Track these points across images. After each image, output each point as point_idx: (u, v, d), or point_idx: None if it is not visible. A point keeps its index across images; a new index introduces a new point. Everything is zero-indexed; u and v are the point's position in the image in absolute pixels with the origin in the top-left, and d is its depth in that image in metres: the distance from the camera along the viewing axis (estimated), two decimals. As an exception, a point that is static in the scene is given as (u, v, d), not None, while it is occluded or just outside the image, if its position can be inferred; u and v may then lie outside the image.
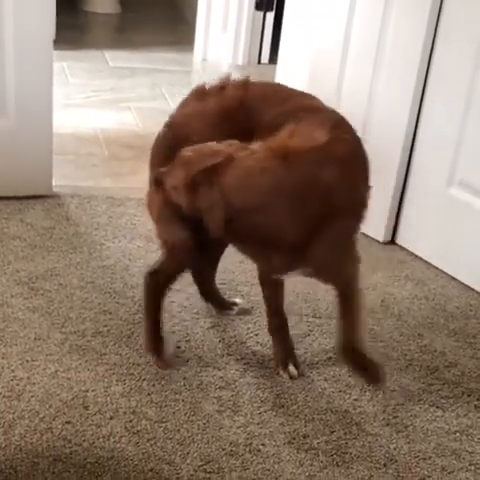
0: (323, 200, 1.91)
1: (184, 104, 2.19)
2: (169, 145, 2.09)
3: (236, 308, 2.52)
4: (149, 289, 2.20)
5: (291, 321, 2.50)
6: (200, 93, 2.17)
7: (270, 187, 1.86)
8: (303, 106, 2.09)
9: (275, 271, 2.10)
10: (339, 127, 2.03)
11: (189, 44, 5.25)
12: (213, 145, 1.92)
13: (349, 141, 2.03)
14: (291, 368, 2.27)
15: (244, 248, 2.03)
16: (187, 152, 1.93)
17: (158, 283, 2.19)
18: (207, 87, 2.17)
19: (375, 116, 2.99)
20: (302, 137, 1.92)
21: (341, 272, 2.12)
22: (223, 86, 2.15)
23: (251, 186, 1.86)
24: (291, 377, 2.25)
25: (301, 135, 1.93)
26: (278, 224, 1.89)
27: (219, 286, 2.54)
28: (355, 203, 2.02)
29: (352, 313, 2.14)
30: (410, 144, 2.94)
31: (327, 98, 3.08)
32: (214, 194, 1.85)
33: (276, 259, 1.99)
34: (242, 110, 2.08)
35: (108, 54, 5.06)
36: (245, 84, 2.15)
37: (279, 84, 2.29)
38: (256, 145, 1.91)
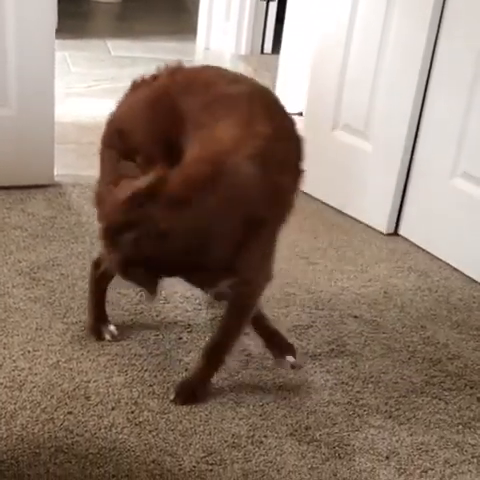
0: (242, 214, 1.85)
1: (122, 98, 2.15)
2: (109, 142, 2.08)
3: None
4: (92, 277, 2.28)
5: (293, 312, 2.50)
6: (135, 85, 2.13)
7: (185, 229, 1.80)
8: (222, 96, 2.00)
9: (206, 288, 2.11)
10: (254, 120, 1.93)
11: (191, 33, 5.23)
12: (130, 187, 1.84)
13: (263, 136, 1.91)
14: (289, 358, 2.25)
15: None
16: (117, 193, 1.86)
17: (100, 272, 2.22)
18: (142, 78, 2.13)
19: (378, 107, 2.98)
20: (208, 153, 1.87)
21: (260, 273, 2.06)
22: (156, 76, 2.11)
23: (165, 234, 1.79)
24: (293, 367, 2.24)
25: (208, 149, 1.88)
26: (202, 249, 1.83)
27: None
28: (276, 204, 1.95)
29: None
30: (413, 136, 2.93)
31: (330, 88, 3.10)
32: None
33: (203, 280, 1.97)
34: (167, 99, 2.02)
35: (110, 43, 5.04)
36: (174, 72, 2.10)
37: (208, 67, 2.18)
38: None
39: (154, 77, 2.11)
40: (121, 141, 2.04)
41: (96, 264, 2.25)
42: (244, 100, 2.00)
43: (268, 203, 1.90)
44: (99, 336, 2.30)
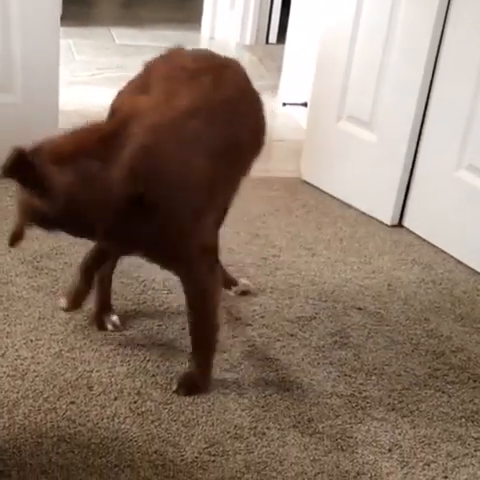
0: (120, 189, 1.80)
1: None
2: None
3: (233, 291, 2.48)
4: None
5: (296, 304, 2.49)
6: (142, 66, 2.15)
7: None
8: (180, 69, 2.01)
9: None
10: (181, 94, 1.91)
11: (196, 22, 5.21)
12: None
13: (178, 109, 1.88)
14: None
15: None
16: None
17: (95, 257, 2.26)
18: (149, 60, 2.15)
19: (384, 97, 2.96)
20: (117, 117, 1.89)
21: (172, 258, 1.98)
22: (162, 55, 2.13)
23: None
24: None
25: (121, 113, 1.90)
26: (86, 214, 1.82)
27: (225, 267, 2.53)
28: (169, 182, 1.85)
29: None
30: (419, 127, 2.91)
31: (335, 78, 3.08)
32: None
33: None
34: (147, 78, 2.05)
35: (115, 31, 5.02)
36: (166, 54, 2.12)
37: (195, 50, 2.18)
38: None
39: (155, 59, 2.14)
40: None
41: (96, 254, 2.25)
42: (192, 76, 1.97)
43: (156, 178, 1.83)
44: (101, 326, 2.29)
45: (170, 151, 1.86)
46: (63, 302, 2.25)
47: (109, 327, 2.29)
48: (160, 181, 1.84)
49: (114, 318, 2.31)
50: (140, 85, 2.05)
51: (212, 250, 2.10)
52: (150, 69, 2.10)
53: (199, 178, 1.90)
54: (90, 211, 1.81)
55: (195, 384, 2.10)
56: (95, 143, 1.80)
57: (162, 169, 1.84)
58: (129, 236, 1.88)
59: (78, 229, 1.90)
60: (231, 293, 2.48)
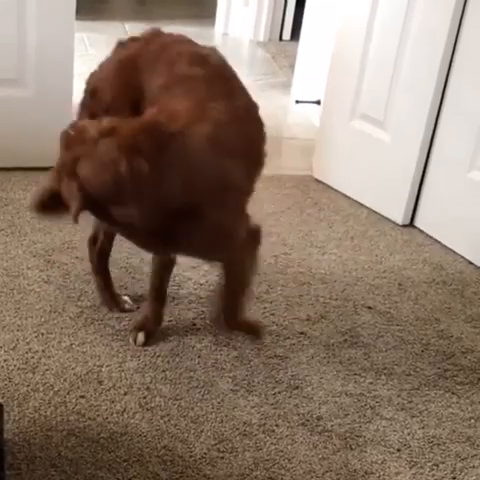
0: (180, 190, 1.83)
1: (104, 58, 2.20)
2: (83, 100, 2.14)
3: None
4: (91, 255, 2.32)
5: (307, 302, 2.49)
6: (117, 46, 2.16)
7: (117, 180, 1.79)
8: (182, 77, 2.01)
9: (148, 251, 2.16)
10: (208, 103, 1.93)
11: (210, 18, 5.19)
12: (92, 123, 1.86)
13: (214, 119, 1.90)
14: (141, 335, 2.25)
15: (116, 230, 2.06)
16: (70, 131, 1.87)
17: (98, 247, 2.30)
18: (122, 40, 2.16)
19: (398, 96, 2.95)
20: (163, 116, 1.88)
21: (220, 254, 2.06)
22: (135, 38, 2.15)
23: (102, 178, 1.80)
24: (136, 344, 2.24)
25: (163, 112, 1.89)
26: (131, 212, 1.82)
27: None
28: (220, 188, 1.89)
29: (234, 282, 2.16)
30: (432, 127, 2.90)
31: (349, 76, 3.08)
32: (72, 186, 1.80)
33: (140, 242, 2.00)
34: (135, 68, 2.06)
35: (128, 26, 5.02)
36: (150, 38, 2.13)
37: (180, 41, 2.16)
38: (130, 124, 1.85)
39: (133, 39, 2.15)
40: (92, 100, 2.09)
41: (93, 240, 2.30)
42: (201, 83, 1.99)
43: (202, 184, 1.85)
44: (119, 306, 2.34)
45: (219, 163, 1.89)
46: (141, 337, 2.24)
47: (127, 306, 2.34)
48: (213, 193, 1.87)
49: (125, 298, 2.36)
50: (127, 87, 2.05)
51: (252, 232, 2.09)
52: (136, 53, 2.09)
53: (241, 185, 1.97)
54: (137, 209, 1.81)
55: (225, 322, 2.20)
56: (151, 145, 1.80)
57: (216, 184, 1.88)
58: (173, 236, 1.90)
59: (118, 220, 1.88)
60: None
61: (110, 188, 1.78)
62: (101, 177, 1.78)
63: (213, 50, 2.13)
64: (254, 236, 2.08)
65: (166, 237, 1.89)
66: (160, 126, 1.83)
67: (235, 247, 2.03)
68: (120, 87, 2.06)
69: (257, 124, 2.08)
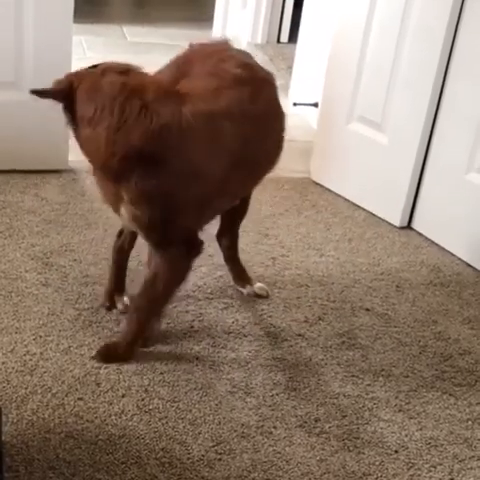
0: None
1: None
2: None
3: (246, 290, 2.50)
4: (114, 245, 2.36)
5: (304, 304, 2.50)
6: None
7: None
8: (221, 71, 2.12)
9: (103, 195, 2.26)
10: (224, 91, 2.05)
11: (208, 20, 5.20)
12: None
13: (221, 104, 2.03)
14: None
15: None
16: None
17: (120, 241, 2.34)
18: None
19: (395, 99, 2.96)
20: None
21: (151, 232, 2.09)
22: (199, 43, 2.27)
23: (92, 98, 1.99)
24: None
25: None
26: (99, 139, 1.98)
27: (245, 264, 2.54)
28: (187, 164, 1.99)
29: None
30: (430, 129, 2.91)
31: (347, 79, 3.08)
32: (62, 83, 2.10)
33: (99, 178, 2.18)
34: (187, 60, 2.21)
35: (126, 29, 5.03)
36: (210, 43, 2.29)
37: (239, 51, 2.31)
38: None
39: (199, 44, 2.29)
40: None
41: (119, 233, 2.33)
42: (235, 81, 2.09)
43: (172, 148, 1.95)
44: (112, 304, 2.34)
45: (196, 137, 1.97)
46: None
47: (119, 306, 2.34)
48: (176, 153, 1.96)
49: (125, 299, 2.35)
50: (181, 64, 2.20)
51: (194, 241, 2.12)
52: (190, 54, 2.23)
53: (211, 173, 2.02)
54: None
55: (116, 352, 2.16)
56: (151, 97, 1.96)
57: (181, 146, 1.96)
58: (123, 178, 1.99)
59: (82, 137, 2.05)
60: (244, 291, 2.49)
61: (93, 111, 1.96)
62: (92, 97, 1.97)
63: (269, 74, 2.26)
64: (190, 246, 2.10)
65: (118, 177, 2.00)
66: (168, 86, 2.00)
67: (164, 242, 2.05)
68: (171, 71, 2.21)
69: (267, 136, 2.17)
